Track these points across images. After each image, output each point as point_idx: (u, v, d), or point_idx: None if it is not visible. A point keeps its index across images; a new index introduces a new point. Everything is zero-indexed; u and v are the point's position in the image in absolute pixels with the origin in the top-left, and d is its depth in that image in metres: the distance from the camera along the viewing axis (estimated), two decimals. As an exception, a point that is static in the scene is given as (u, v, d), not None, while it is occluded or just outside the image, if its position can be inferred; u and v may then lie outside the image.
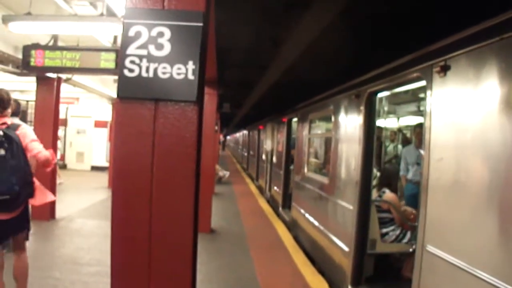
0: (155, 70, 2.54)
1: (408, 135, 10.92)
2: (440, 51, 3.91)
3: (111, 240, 2.79)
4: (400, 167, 8.40)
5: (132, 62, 2.54)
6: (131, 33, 2.56)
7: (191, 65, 2.54)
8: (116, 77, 11.19)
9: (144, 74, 2.54)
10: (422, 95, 7.98)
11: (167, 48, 2.55)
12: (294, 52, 8.13)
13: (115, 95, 14.53)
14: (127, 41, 2.56)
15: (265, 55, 9.16)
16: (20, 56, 7.80)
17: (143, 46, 2.55)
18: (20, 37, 7.74)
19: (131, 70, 2.54)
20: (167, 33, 2.56)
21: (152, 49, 2.55)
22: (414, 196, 7.18)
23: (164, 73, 2.54)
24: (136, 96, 2.60)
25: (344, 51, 8.08)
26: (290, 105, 12.21)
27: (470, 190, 3.38)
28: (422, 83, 4.33)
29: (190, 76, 2.54)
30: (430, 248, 3.79)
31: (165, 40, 2.55)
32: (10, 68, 9.10)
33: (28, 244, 4.97)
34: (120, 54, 2.59)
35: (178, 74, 2.54)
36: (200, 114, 2.66)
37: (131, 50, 2.55)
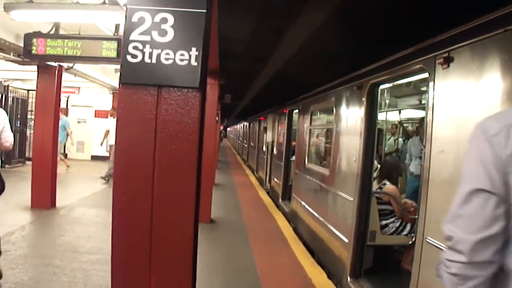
0: (158, 56, 2.54)
1: (410, 128, 10.94)
2: (444, 43, 3.89)
3: (112, 228, 2.78)
4: (406, 156, 8.56)
5: (135, 48, 2.54)
6: (135, 19, 2.56)
7: (194, 52, 2.53)
8: (117, 67, 11.17)
9: (147, 60, 2.54)
10: (424, 88, 7.99)
11: (170, 34, 2.55)
12: (296, 43, 8.10)
13: (116, 85, 14.53)
14: (130, 27, 2.56)
15: (267, 46, 9.12)
16: (21, 44, 7.79)
17: (146, 32, 2.55)
18: (22, 25, 7.71)
19: (134, 56, 2.54)
20: (171, 19, 2.55)
21: (155, 35, 2.54)
22: (414, 189, 7.20)
23: (167, 59, 2.53)
24: (139, 82, 2.60)
25: (346, 43, 8.05)
26: (291, 96, 12.19)
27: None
28: (425, 75, 4.33)
29: (193, 63, 2.53)
30: (430, 239, 3.79)
31: (168, 26, 2.55)
32: (11, 56, 9.08)
33: (28, 232, 5.09)
34: (123, 40, 2.58)
35: (181, 60, 2.53)
36: (202, 101, 2.65)
37: (134, 36, 2.55)
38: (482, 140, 1.52)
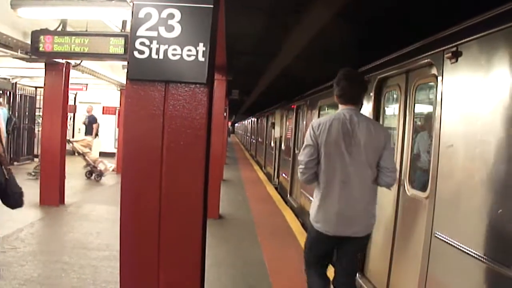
0: (165, 51, 2.53)
1: (418, 122, 10.86)
2: (452, 37, 3.86)
3: (120, 224, 2.79)
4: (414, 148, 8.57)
5: (142, 43, 2.54)
6: (141, 14, 2.55)
7: (201, 47, 2.53)
8: (125, 63, 11.17)
9: (154, 55, 2.53)
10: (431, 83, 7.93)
11: (177, 30, 2.54)
12: (304, 39, 8.08)
13: (123, 81, 14.51)
14: (137, 22, 2.55)
15: (275, 42, 9.10)
16: (29, 41, 7.80)
17: (153, 27, 2.54)
18: (29, 22, 7.72)
19: (141, 52, 2.54)
20: (178, 14, 2.54)
21: (162, 30, 2.54)
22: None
23: (174, 54, 2.53)
24: (146, 77, 2.60)
25: (354, 38, 8.02)
26: (299, 92, 12.16)
27: (479, 177, 3.35)
28: (433, 69, 4.30)
29: (201, 58, 2.53)
30: (439, 234, 3.77)
31: (175, 22, 2.54)
32: (19, 54, 9.09)
33: (37, 229, 5.06)
34: (130, 36, 2.58)
35: (189, 56, 2.53)
36: (210, 97, 2.65)
37: (141, 31, 2.55)
38: (311, 128, 3.84)
